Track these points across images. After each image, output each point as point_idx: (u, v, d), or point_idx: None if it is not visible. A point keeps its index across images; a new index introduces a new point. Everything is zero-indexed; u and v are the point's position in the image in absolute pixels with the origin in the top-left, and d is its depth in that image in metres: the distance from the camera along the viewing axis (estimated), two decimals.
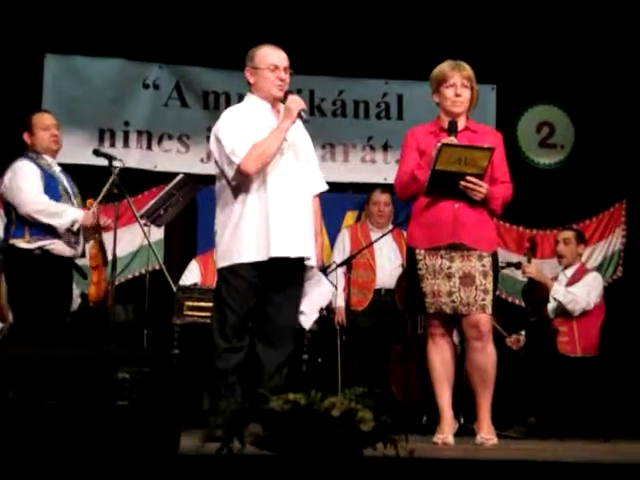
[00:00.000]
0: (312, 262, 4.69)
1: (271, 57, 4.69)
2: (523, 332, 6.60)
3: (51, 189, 5.55)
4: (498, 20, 7.36)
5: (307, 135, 4.88)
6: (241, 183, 4.62)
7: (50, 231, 5.48)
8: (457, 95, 4.71)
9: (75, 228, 5.52)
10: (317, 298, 4.76)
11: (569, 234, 6.64)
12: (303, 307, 4.74)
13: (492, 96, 7.53)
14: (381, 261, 6.87)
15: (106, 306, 5.82)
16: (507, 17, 7.35)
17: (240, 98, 7.02)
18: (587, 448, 5.02)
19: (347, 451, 2.88)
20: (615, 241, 7.61)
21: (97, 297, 5.75)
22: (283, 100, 4.68)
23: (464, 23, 7.31)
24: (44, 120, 5.68)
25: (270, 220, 4.57)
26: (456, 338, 5.18)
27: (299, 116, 4.62)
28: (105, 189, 5.85)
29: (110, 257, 5.87)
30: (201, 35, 7.22)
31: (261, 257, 4.56)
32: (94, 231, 5.70)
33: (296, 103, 4.62)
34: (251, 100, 4.79)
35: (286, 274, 4.63)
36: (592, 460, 3.51)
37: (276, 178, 4.63)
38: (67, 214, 5.50)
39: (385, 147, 7.59)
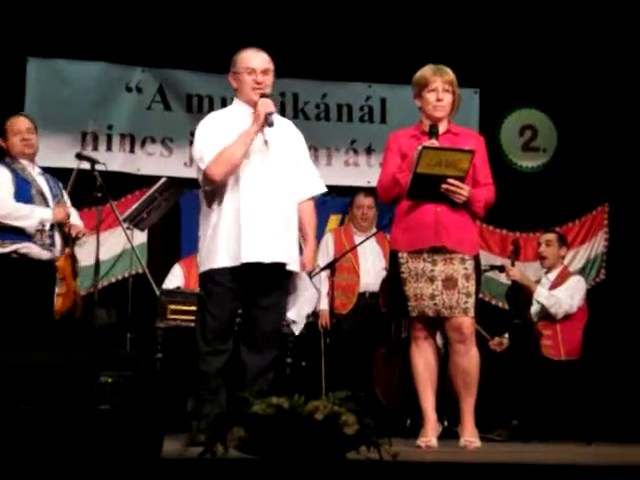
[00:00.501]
0: (293, 267, 4.67)
1: (248, 60, 4.67)
2: (507, 335, 6.61)
3: (22, 193, 5.53)
4: (481, 24, 7.39)
5: (299, 137, 4.85)
6: (217, 188, 4.61)
7: (21, 234, 5.46)
8: (439, 99, 4.73)
9: (47, 227, 5.50)
10: (305, 304, 4.75)
11: (551, 236, 6.66)
12: (293, 315, 4.73)
13: (475, 100, 7.56)
14: (365, 264, 6.88)
15: (75, 317, 5.77)
16: (490, 21, 7.38)
17: (224, 101, 7.07)
18: (570, 451, 5.03)
19: (330, 455, 2.88)
20: (598, 244, 7.64)
21: (63, 309, 5.70)
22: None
23: (447, 27, 7.33)
24: (15, 125, 5.66)
25: (242, 226, 4.55)
26: (440, 341, 5.19)
27: (266, 120, 4.57)
28: (72, 178, 5.85)
29: (92, 262, 5.85)
30: (184, 38, 7.21)
31: (234, 263, 4.55)
32: (68, 240, 5.66)
33: (264, 107, 4.58)
34: (234, 105, 4.79)
35: (268, 279, 4.61)
36: (575, 463, 3.51)
37: (250, 183, 4.60)
38: (34, 215, 5.48)
39: (368, 150, 7.60)
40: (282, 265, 4.61)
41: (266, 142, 4.66)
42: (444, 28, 7.31)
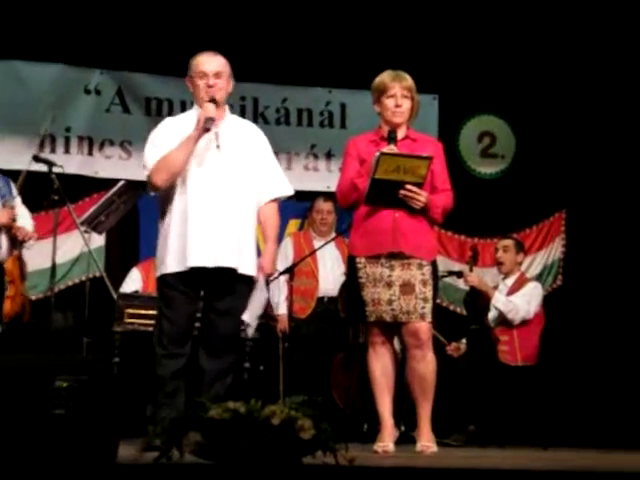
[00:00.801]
0: (246, 271, 4.64)
1: (200, 64, 4.65)
2: (464, 340, 6.64)
3: None
4: (440, 31, 7.42)
5: (260, 140, 4.80)
6: (168, 193, 4.59)
7: None
8: (397, 105, 4.74)
9: None
10: (257, 306, 4.75)
11: (508, 242, 6.71)
12: (246, 317, 4.72)
13: (434, 106, 7.59)
14: (324, 269, 6.88)
15: (23, 321, 5.72)
16: (449, 28, 7.42)
17: (183, 105, 7.05)
18: (526, 456, 5.06)
19: (286, 459, 2.88)
20: (555, 250, 7.70)
21: (11, 312, 5.64)
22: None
23: (407, 33, 7.35)
24: None
25: (189, 230, 4.53)
26: (397, 346, 5.20)
27: (205, 125, 4.53)
28: (21, 178, 5.80)
29: (49, 265, 5.80)
30: (144, 41, 7.17)
31: (181, 267, 4.54)
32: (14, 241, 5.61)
33: (205, 111, 4.55)
34: (193, 109, 4.77)
35: (221, 283, 4.60)
36: (531, 468, 3.53)
37: (198, 187, 4.57)
38: None
39: (328, 155, 7.60)
40: (233, 269, 4.60)
41: (218, 146, 4.63)
42: (404, 34, 7.34)
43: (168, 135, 4.63)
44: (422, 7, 7.30)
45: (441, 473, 3.12)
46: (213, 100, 4.59)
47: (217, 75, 4.63)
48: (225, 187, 4.60)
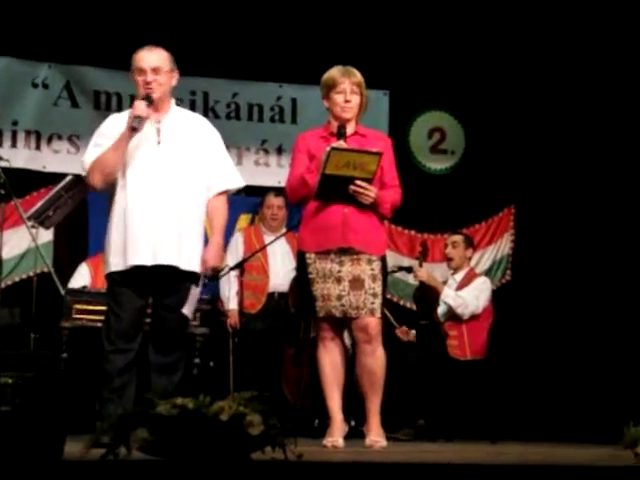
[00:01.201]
0: (189, 267, 4.60)
1: (138, 60, 4.58)
2: (413, 331, 6.67)
3: None
4: (391, 26, 7.42)
5: (208, 134, 4.74)
6: (111, 190, 4.57)
7: None
8: (346, 101, 4.75)
9: None
10: (193, 300, 4.72)
11: (457, 238, 6.75)
12: (186, 311, 4.69)
13: (384, 102, 7.60)
14: (274, 264, 6.87)
15: None
16: (399, 23, 7.42)
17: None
18: (475, 450, 5.09)
19: (235, 455, 2.86)
20: (504, 246, 7.75)
21: None
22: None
23: (358, 29, 7.35)
24: None
25: (127, 228, 4.51)
26: (347, 341, 5.21)
27: (132, 124, 4.47)
28: None
29: None
30: (92, 35, 7.10)
31: (123, 266, 4.52)
32: None
33: (134, 110, 4.51)
34: None
35: (167, 280, 4.57)
36: (479, 462, 3.56)
37: (137, 184, 4.53)
38: None
39: (279, 150, 7.59)
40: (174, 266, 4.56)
41: (159, 143, 4.59)
42: (354, 29, 7.33)
43: (110, 133, 4.57)
44: (373, 3, 7.31)
45: (390, 468, 3.13)
46: (146, 98, 4.52)
47: (155, 71, 4.55)
48: (165, 184, 4.55)
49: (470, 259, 6.81)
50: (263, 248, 6.75)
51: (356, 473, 2.97)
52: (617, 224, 7.40)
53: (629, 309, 7.23)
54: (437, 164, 7.80)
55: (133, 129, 4.48)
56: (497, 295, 6.97)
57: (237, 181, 4.80)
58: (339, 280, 4.69)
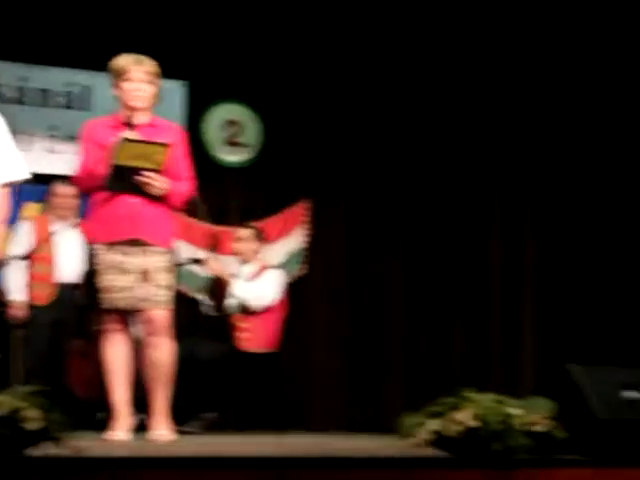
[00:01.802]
0: None
1: None
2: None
3: None
4: (188, 16, 7.36)
5: None
6: None
7: None
8: (138, 90, 4.68)
9: None
10: None
11: (247, 231, 6.77)
12: None
13: (181, 92, 7.51)
14: (63, 255, 6.69)
15: None
16: (197, 13, 7.38)
17: None
18: (265, 441, 5.12)
19: (8, 451, 2.78)
20: (298, 239, 7.81)
21: None
22: None
23: (154, 16, 7.25)
24: None
25: None
26: (136, 333, 5.14)
27: None
28: None
29: None
30: None
31: None
32: None
33: None
34: None
35: None
36: (270, 454, 3.59)
37: None
38: None
39: (70, 138, 7.38)
40: None
41: None
42: (151, 17, 7.23)
43: None
44: None
45: (175, 462, 3.12)
46: None
47: None
48: None
49: (261, 252, 6.83)
50: (51, 238, 6.57)
51: (138, 467, 2.94)
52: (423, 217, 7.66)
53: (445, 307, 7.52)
54: (232, 157, 7.79)
55: None
56: (291, 288, 7.04)
57: (22, 172, 4.65)
58: (127, 272, 4.63)
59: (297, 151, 7.73)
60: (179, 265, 5.21)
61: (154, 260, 4.67)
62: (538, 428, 3.36)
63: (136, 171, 4.56)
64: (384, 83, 7.72)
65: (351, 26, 7.57)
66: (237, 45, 7.53)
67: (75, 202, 6.81)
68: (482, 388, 3.51)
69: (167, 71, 4.89)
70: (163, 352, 4.71)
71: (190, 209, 6.59)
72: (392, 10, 7.52)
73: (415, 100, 7.76)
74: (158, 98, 4.80)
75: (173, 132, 4.85)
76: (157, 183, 4.60)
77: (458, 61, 7.73)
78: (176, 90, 7.38)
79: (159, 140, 4.64)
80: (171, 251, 4.75)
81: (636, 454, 3.45)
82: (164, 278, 4.68)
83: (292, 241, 7.79)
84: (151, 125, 4.77)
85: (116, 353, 4.72)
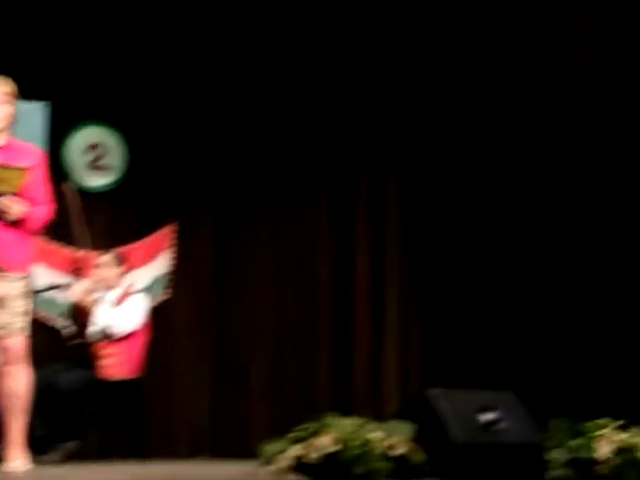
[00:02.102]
0: None
1: None
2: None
3: None
4: (51, 35, 7.21)
5: None
6: None
7: None
8: None
9: None
10: None
11: (108, 257, 6.67)
12: None
13: (42, 114, 7.31)
14: None
15: None
16: (60, 31, 7.22)
17: None
18: (121, 470, 5.04)
19: None
20: (164, 263, 7.72)
21: None
22: None
23: (14, 37, 7.08)
24: None
25: None
26: None
27: None
28: None
29: None
30: None
31: None
32: None
33: None
34: None
35: None
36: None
37: None
38: None
39: None
40: None
41: None
42: (11, 37, 7.05)
43: None
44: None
45: None
46: None
47: None
48: None
49: (123, 277, 6.72)
50: None
51: None
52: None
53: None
54: (95, 181, 7.62)
55: None
56: (155, 312, 6.96)
57: None
58: None
59: (163, 172, 7.65)
60: (39, 292, 5.09)
61: (10, 287, 4.56)
62: (398, 452, 3.39)
63: None
64: (242, 98, 7.71)
65: (213, 48, 7.57)
66: (100, 66, 7.41)
67: None
68: (347, 412, 3.54)
69: (28, 91, 4.78)
70: (19, 381, 4.59)
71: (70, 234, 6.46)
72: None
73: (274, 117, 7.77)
74: (14, 118, 4.69)
75: (32, 155, 4.75)
76: (13, 208, 4.50)
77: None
78: (36, 111, 7.19)
79: (16, 163, 4.54)
80: (28, 277, 4.64)
81: (491, 477, 3.52)
82: (20, 305, 4.57)
83: (158, 265, 7.71)
84: (8, 147, 4.66)
85: None
